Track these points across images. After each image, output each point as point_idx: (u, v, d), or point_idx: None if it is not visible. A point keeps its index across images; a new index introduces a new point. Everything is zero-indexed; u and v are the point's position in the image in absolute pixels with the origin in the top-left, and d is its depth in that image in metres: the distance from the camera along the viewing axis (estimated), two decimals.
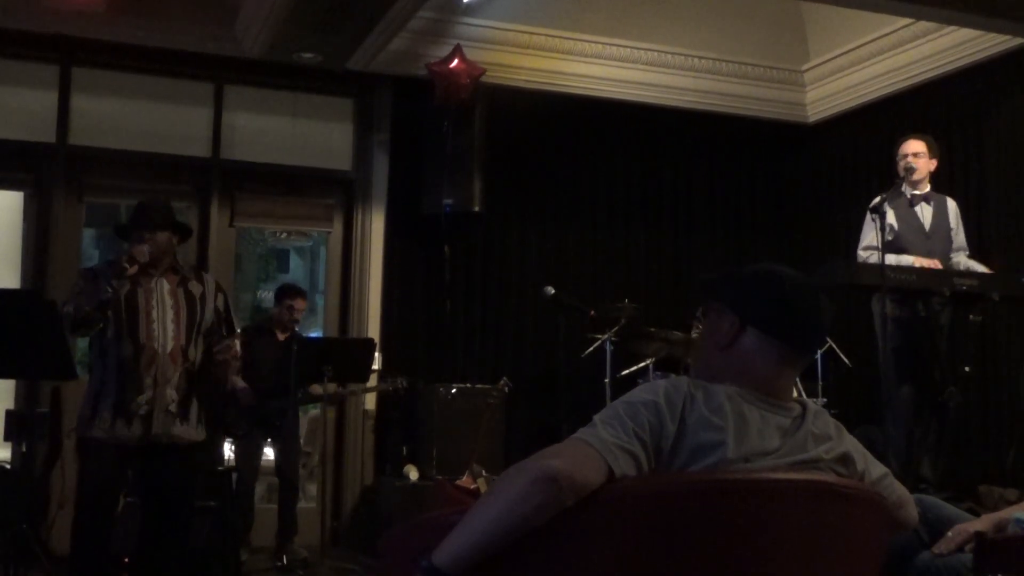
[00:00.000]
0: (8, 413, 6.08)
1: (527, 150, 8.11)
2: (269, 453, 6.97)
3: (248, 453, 6.72)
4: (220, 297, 4.80)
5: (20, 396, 6.81)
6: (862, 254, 5.97)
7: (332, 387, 6.84)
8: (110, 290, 4.40)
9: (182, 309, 4.60)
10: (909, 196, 6.02)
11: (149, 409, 4.46)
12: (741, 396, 1.99)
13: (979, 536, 2.69)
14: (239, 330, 5.11)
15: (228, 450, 7.06)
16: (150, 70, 7.36)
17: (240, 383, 6.60)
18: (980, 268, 5.96)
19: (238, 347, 4.82)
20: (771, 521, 1.86)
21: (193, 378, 4.61)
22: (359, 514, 7.48)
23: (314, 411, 7.76)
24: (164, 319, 4.55)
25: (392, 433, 7.56)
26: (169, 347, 4.52)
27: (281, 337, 6.80)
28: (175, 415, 4.52)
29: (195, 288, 4.70)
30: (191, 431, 4.60)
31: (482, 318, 7.97)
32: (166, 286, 4.61)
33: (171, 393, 4.51)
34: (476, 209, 7.58)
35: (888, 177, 6.35)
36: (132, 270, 4.44)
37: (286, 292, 7.02)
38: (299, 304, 6.89)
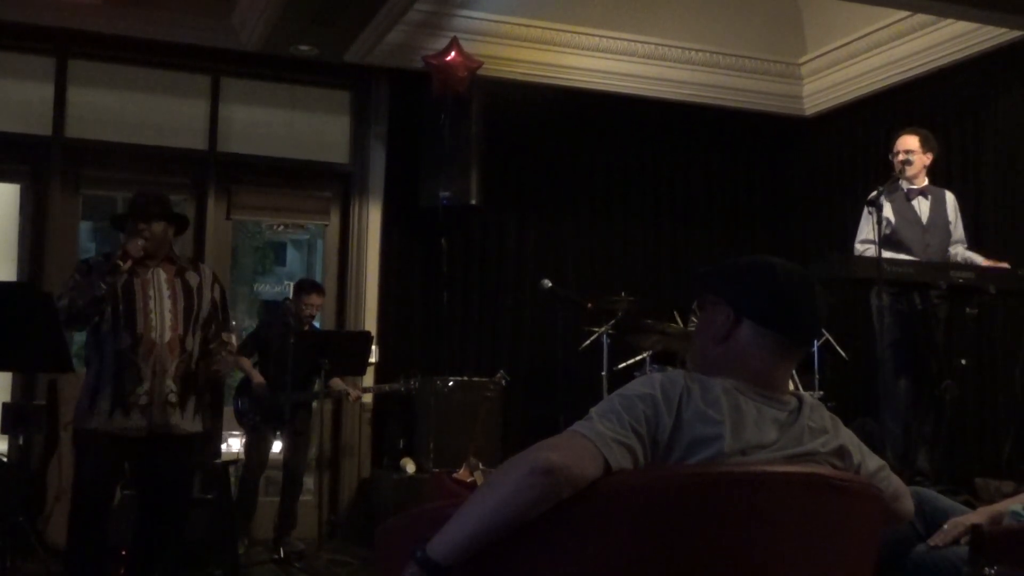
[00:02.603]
0: (5, 406, 6.09)
1: (524, 143, 8.11)
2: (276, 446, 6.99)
3: (257, 444, 6.75)
4: (217, 288, 4.79)
5: (17, 389, 6.81)
6: (858, 247, 5.96)
7: (340, 383, 6.87)
8: (104, 287, 4.38)
9: (179, 299, 4.59)
10: (906, 190, 6.02)
11: (148, 400, 4.45)
12: (738, 389, 1.99)
13: (975, 529, 2.69)
14: (235, 340, 5.10)
15: (228, 443, 7.09)
16: (146, 62, 7.35)
17: (256, 375, 6.64)
18: (979, 259, 5.96)
19: (232, 361, 4.81)
20: (767, 514, 1.86)
21: (191, 369, 4.60)
22: (356, 507, 7.49)
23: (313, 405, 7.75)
24: (162, 309, 4.53)
25: (389, 426, 7.56)
26: (167, 337, 4.50)
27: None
28: (174, 406, 4.51)
29: (192, 279, 4.68)
30: (189, 422, 4.59)
31: (479, 311, 7.97)
32: (163, 276, 4.59)
33: (170, 383, 4.50)
34: (473, 202, 7.58)
35: (885, 170, 6.35)
36: (126, 266, 4.43)
37: (301, 287, 7.05)
38: (313, 300, 6.91)
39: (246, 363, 6.76)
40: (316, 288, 7.06)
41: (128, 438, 4.47)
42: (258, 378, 6.68)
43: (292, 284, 7.38)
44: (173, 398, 4.51)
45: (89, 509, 4.45)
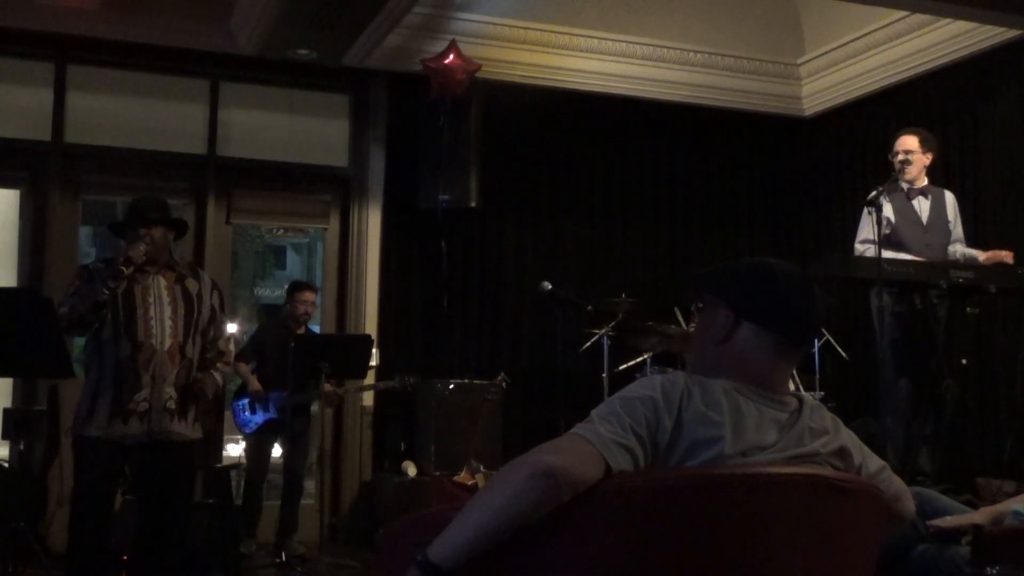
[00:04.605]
0: (6, 411, 6.08)
1: (523, 145, 8.12)
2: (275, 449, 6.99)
3: (258, 449, 6.74)
4: (216, 295, 4.77)
5: (18, 394, 6.81)
6: (858, 247, 5.96)
7: (328, 387, 6.86)
8: (107, 292, 4.38)
9: (179, 306, 4.58)
10: (906, 190, 6.02)
11: (147, 407, 4.43)
12: (738, 391, 1.99)
13: (977, 529, 2.69)
14: (233, 346, 5.08)
15: (230, 447, 7.09)
16: (145, 67, 7.36)
17: (253, 381, 6.64)
18: (978, 254, 5.95)
19: (221, 382, 4.79)
20: (768, 516, 1.86)
21: (190, 375, 4.60)
22: (357, 510, 7.49)
23: (312, 408, 7.75)
24: (161, 316, 4.52)
25: (390, 429, 7.57)
26: (167, 344, 4.49)
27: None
28: (173, 412, 4.50)
29: (192, 285, 4.67)
30: (188, 429, 4.59)
31: (479, 313, 7.97)
32: (163, 283, 4.58)
33: (169, 391, 4.48)
34: (472, 204, 7.58)
35: (885, 170, 6.34)
36: (129, 271, 4.43)
37: (294, 287, 7.08)
38: (308, 296, 6.92)
39: (244, 370, 6.76)
40: (308, 286, 7.09)
41: (127, 445, 4.46)
42: (255, 385, 6.67)
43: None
44: (172, 405, 4.49)
45: (89, 515, 4.45)
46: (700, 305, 2.19)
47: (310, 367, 6.40)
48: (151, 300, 4.52)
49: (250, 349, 6.97)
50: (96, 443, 4.43)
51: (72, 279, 4.59)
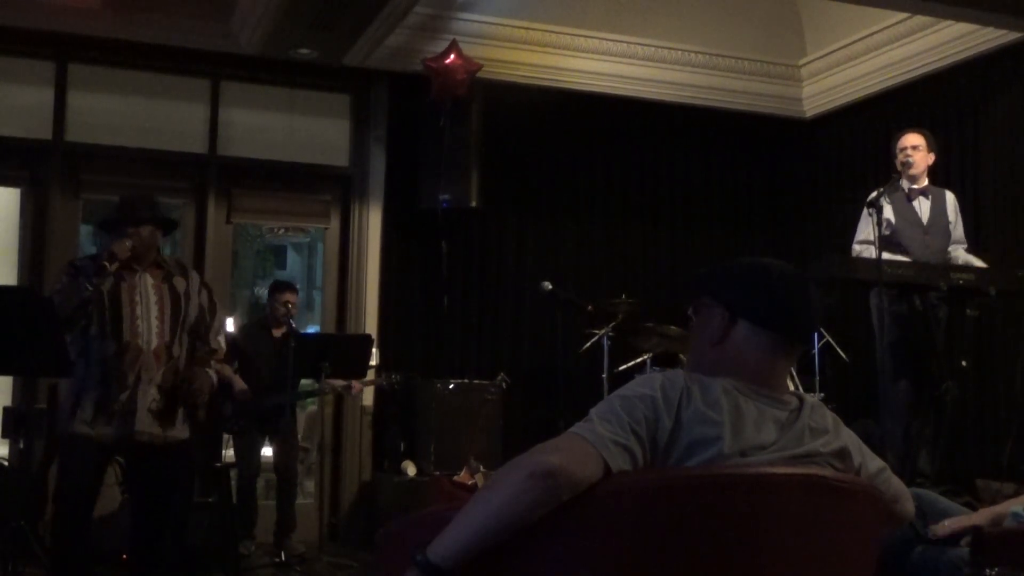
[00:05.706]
0: (5, 410, 6.09)
1: (524, 146, 8.12)
2: (267, 450, 6.98)
3: (247, 450, 6.73)
4: (204, 294, 4.69)
5: (17, 393, 6.81)
6: (856, 248, 5.96)
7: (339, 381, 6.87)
8: (90, 288, 4.30)
9: (166, 305, 4.51)
10: (907, 190, 6.01)
11: (132, 406, 4.38)
12: (738, 389, 1.99)
13: (976, 530, 2.69)
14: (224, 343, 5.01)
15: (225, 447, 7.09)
16: (146, 66, 7.36)
17: (238, 381, 6.62)
18: (977, 263, 5.95)
19: (215, 379, 4.75)
20: (767, 516, 1.86)
21: (177, 376, 4.52)
22: (357, 510, 7.49)
23: (312, 407, 7.74)
24: (148, 315, 4.46)
25: (390, 429, 7.56)
26: (153, 344, 4.43)
27: (276, 333, 6.80)
28: (158, 413, 4.43)
29: (179, 284, 4.59)
30: (175, 429, 4.51)
31: (479, 313, 7.97)
32: (150, 281, 4.51)
33: (154, 391, 4.42)
34: (473, 204, 7.59)
35: (885, 172, 6.34)
36: (113, 268, 4.35)
37: (277, 288, 7.05)
38: (290, 298, 6.87)
39: (228, 370, 6.74)
40: (289, 287, 7.06)
41: (110, 445, 4.43)
42: (240, 384, 6.64)
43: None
44: (156, 405, 4.43)
45: (73, 514, 4.41)
46: (696, 307, 2.19)
47: (308, 367, 6.39)
48: (138, 299, 4.45)
49: (232, 349, 6.93)
50: (80, 441, 4.38)
51: (60, 275, 4.54)
